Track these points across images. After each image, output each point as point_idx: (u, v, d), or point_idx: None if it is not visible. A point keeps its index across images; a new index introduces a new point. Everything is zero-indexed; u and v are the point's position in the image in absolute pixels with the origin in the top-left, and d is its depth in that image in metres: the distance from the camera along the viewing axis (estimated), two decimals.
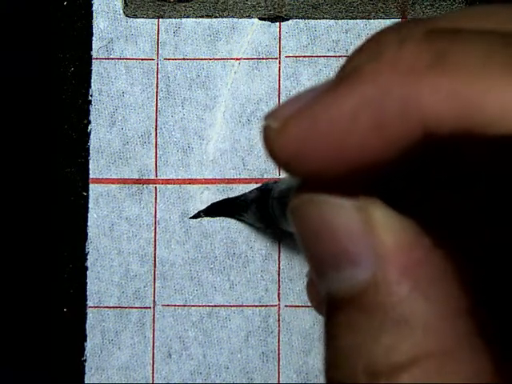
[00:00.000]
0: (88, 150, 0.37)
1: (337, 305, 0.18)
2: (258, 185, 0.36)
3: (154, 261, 0.36)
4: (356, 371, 0.18)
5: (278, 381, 0.36)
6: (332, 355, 0.19)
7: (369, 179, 0.18)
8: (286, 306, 0.36)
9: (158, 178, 0.37)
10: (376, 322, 0.18)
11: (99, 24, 0.37)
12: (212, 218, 0.37)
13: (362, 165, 0.17)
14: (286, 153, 0.18)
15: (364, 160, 0.17)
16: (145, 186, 0.37)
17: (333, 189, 0.18)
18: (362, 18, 0.37)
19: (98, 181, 0.37)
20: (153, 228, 0.36)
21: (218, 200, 0.37)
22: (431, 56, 0.16)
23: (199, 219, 0.37)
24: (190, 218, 0.37)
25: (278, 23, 0.37)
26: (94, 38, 0.37)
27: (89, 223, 0.37)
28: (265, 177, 0.37)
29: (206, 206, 0.37)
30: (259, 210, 0.34)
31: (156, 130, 0.37)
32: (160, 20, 0.37)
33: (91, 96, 0.37)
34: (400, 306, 0.17)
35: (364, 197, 0.18)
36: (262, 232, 0.36)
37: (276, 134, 0.18)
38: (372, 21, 0.37)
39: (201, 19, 0.37)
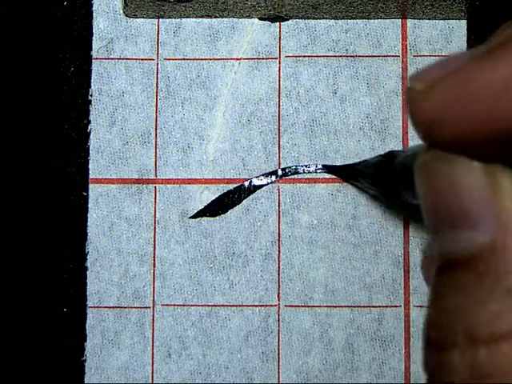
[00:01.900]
0: (88, 150, 0.37)
1: (449, 265, 0.19)
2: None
3: (154, 260, 0.36)
4: (456, 333, 0.18)
5: (278, 381, 0.36)
6: (435, 314, 0.19)
7: (504, 146, 0.18)
8: (285, 305, 0.36)
9: (158, 177, 0.37)
10: (486, 287, 0.18)
11: (99, 24, 0.37)
12: (212, 218, 0.37)
13: (506, 132, 0.17)
14: (430, 115, 0.18)
15: (509, 128, 0.17)
16: (144, 185, 0.37)
17: (464, 150, 0.18)
18: (361, 18, 0.37)
19: (98, 181, 0.37)
20: (152, 228, 0.36)
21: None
22: None
23: (198, 218, 0.37)
24: (190, 217, 0.37)
25: (277, 23, 0.37)
26: (93, 38, 0.37)
27: (88, 223, 0.37)
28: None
29: (206, 205, 0.37)
30: (379, 175, 0.33)
31: (156, 130, 0.37)
32: (160, 20, 0.37)
33: (91, 96, 0.37)
34: None
35: (494, 162, 0.18)
36: (376, 199, 0.36)
37: (421, 95, 0.18)
38: (372, 21, 0.37)
39: (201, 19, 0.37)
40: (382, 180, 0.33)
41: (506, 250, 0.18)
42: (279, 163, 0.37)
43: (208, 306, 0.36)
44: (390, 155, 0.32)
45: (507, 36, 0.18)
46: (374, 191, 0.35)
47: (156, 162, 0.37)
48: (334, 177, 0.37)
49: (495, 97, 0.17)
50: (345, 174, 0.36)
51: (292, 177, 0.37)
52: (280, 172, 0.37)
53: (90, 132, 0.37)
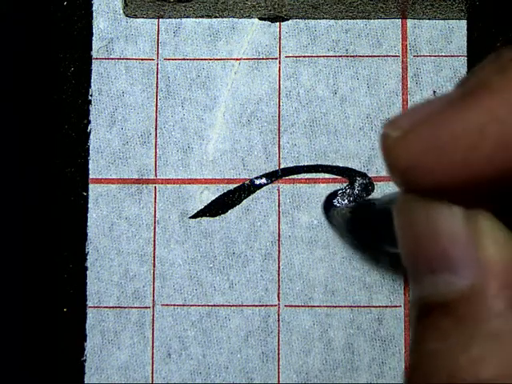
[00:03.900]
0: (88, 149, 0.37)
1: (428, 309, 0.18)
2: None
3: (154, 260, 0.36)
4: (440, 378, 0.17)
5: (278, 381, 0.36)
6: (416, 359, 0.18)
7: (483, 192, 0.18)
8: (285, 305, 0.36)
9: (158, 177, 0.37)
10: (467, 332, 0.17)
11: (99, 24, 0.37)
12: (212, 218, 0.37)
13: (483, 179, 0.17)
14: (405, 162, 0.18)
15: (486, 175, 0.17)
16: (144, 185, 0.37)
17: (443, 195, 0.18)
18: (362, 18, 0.37)
19: (98, 181, 0.37)
20: (152, 228, 0.36)
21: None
22: None
23: (198, 218, 0.37)
24: (190, 217, 0.37)
25: (278, 23, 0.37)
26: (93, 37, 0.37)
27: (88, 223, 0.37)
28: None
29: (206, 205, 0.37)
30: (354, 223, 0.33)
31: (156, 130, 0.37)
32: (160, 20, 0.37)
33: (91, 96, 0.37)
34: (494, 320, 0.17)
35: (475, 207, 0.18)
36: (352, 247, 0.36)
37: (395, 142, 0.18)
38: (372, 21, 0.37)
39: (201, 19, 0.37)
40: (358, 228, 0.33)
41: (486, 294, 0.17)
42: (279, 163, 0.37)
43: (208, 305, 0.36)
44: (364, 203, 0.32)
45: (479, 80, 0.18)
46: (349, 238, 0.35)
47: (156, 162, 0.37)
48: (334, 177, 0.37)
49: (470, 145, 0.17)
50: (325, 209, 0.36)
51: (292, 177, 0.37)
52: (280, 172, 0.37)
53: (89, 132, 0.37)
